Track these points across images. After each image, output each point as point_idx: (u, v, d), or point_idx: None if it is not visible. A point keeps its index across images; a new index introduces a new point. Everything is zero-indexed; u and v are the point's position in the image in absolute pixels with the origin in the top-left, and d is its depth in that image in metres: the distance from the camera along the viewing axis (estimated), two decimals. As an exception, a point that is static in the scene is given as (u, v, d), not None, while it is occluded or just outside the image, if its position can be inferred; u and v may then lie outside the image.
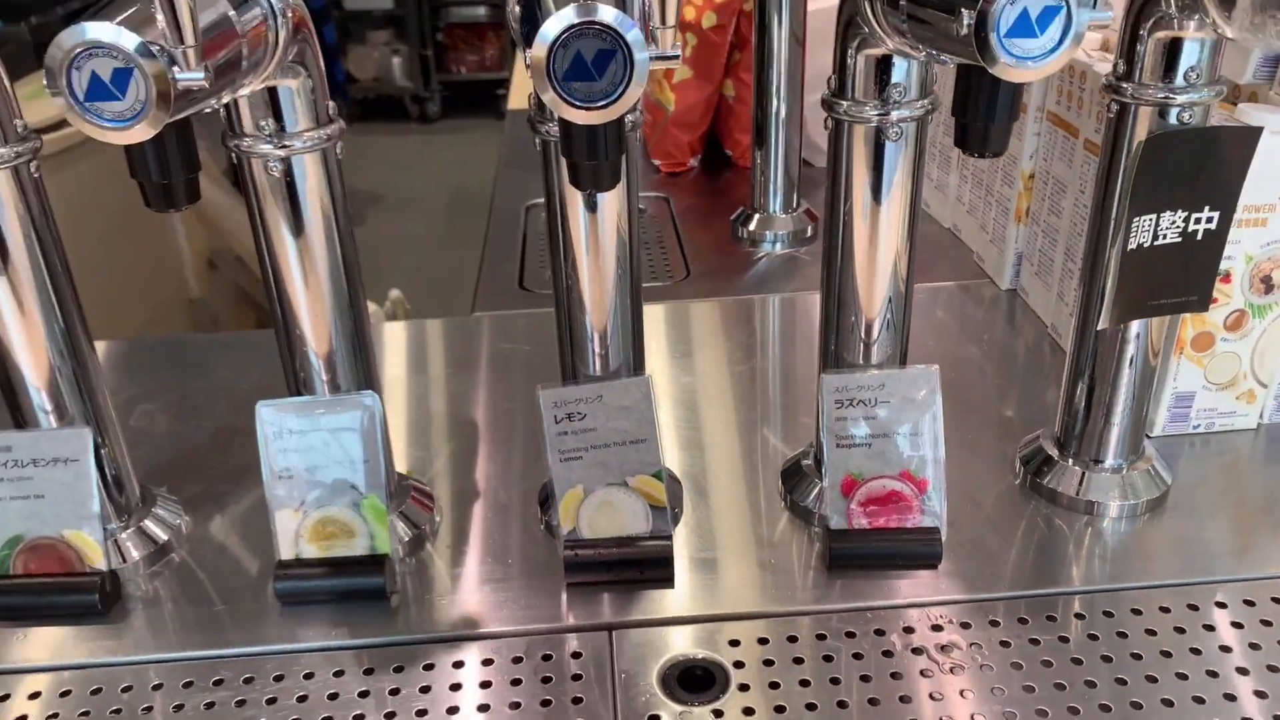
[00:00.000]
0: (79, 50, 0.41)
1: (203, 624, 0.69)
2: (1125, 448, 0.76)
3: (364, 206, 4.07)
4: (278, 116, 0.61)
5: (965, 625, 0.66)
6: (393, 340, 1.07)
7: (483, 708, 0.61)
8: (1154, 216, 0.66)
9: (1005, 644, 0.64)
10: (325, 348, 0.68)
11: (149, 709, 0.63)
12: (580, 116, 0.44)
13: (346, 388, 0.70)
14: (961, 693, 0.61)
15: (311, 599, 0.69)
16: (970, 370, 0.96)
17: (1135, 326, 0.71)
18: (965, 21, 0.44)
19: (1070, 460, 0.77)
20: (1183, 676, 0.62)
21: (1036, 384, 0.94)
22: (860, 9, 0.57)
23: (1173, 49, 0.62)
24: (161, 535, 0.75)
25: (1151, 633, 0.65)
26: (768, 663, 0.64)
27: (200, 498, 0.81)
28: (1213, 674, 0.62)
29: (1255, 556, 0.71)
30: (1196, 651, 0.63)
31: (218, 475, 0.84)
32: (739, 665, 0.64)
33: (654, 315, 1.07)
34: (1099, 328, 0.70)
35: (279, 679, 0.64)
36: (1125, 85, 0.64)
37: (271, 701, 0.63)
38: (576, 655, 0.65)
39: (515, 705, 0.61)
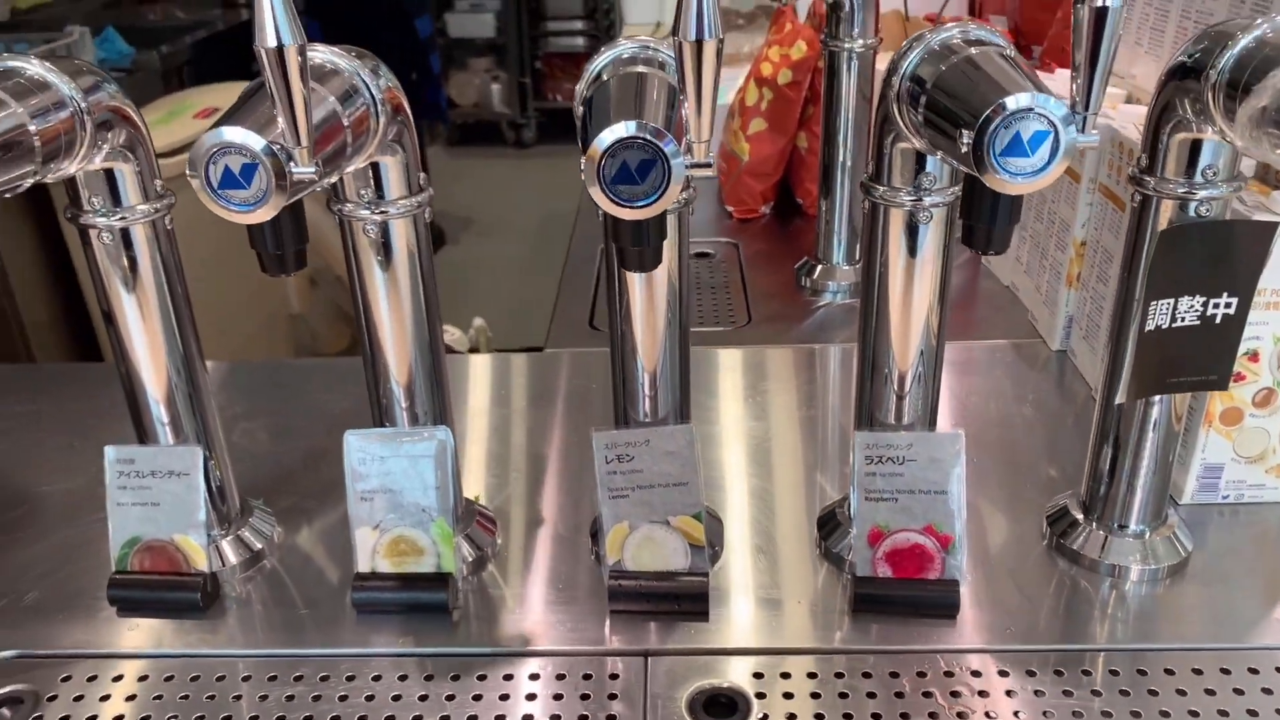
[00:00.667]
0: (216, 149, 0.50)
1: (287, 625, 0.78)
2: (1148, 514, 0.80)
3: (456, 228, 4.22)
4: (377, 187, 0.70)
5: (976, 674, 0.71)
6: (475, 372, 1.16)
7: (527, 717, 0.69)
8: (1171, 300, 0.70)
9: (1010, 693, 0.69)
10: (406, 381, 0.77)
11: (238, 697, 0.71)
12: (625, 214, 0.51)
13: (423, 419, 0.79)
14: (964, 736, 0.66)
15: (383, 609, 0.77)
16: (1015, 428, 1.00)
17: (1157, 399, 0.75)
18: (964, 140, 0.50)
19: (1094, 524, 0.81)
20: (1179, 736, 0.66)
21: (1077, 445, 0.97)
22: (891, 111, 0.63)
23: (1191, 148, 0.67)
24: (256, 543, 0.85)
25: (1153, 693, 0.69)
26: (788, 695, 0.69)
27: (290, 511, 0.91)
28: (1209, 736, 0.65)
29: (1252, 628, 0.74)
30: (1224, 714, 0.67)
31: (307, 491, 0.93)
32: (761, 696, 0.70)
33: (716, 358, 1.14)
34: (1117, 401, 0.74)
35: (350, 679, 0.72)
36: (1148, 179, 0.69)
37: (344, 699, 0.71)
38: (614, 676, 0.72)
39: (556, 717, 0.68)
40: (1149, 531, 0.80)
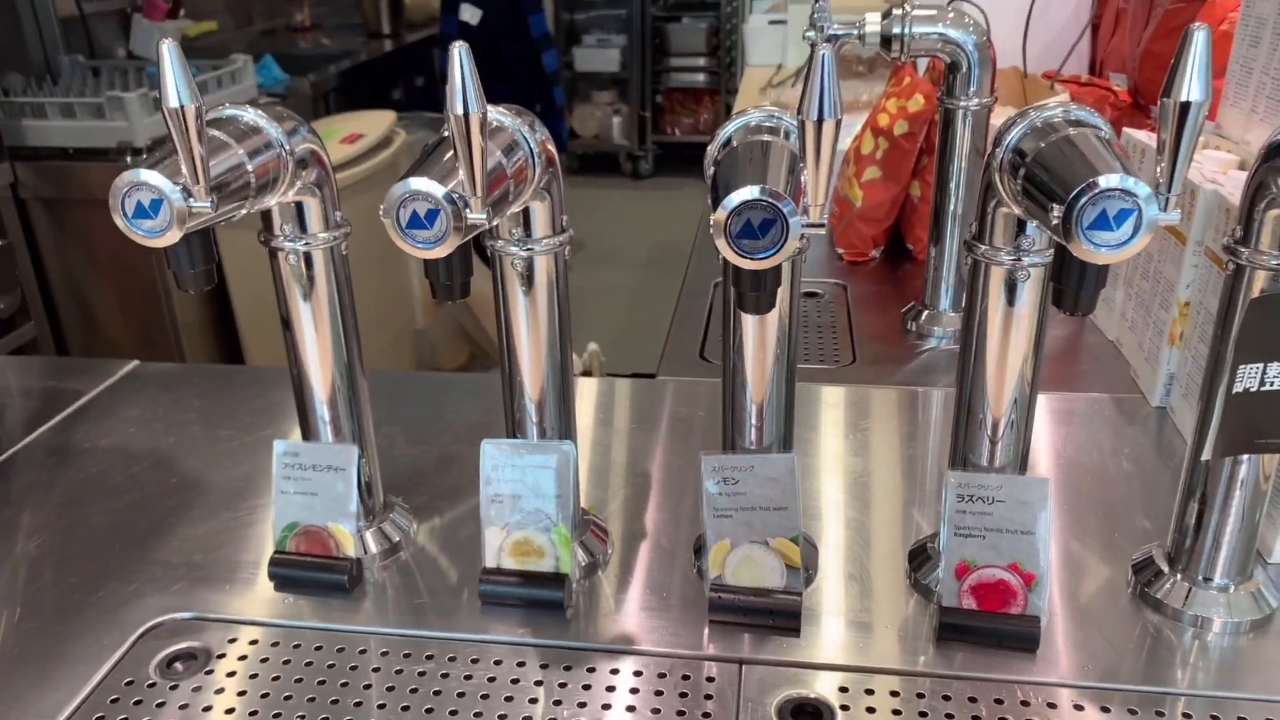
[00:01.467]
0: (407, 196, 0.60)
1: (419, 610, 0.87)
2: (1233, 569, 0.83)
3: (573, 256, 4.37)
4: (527, 227, 0.79)
5: (1051, 705, 0.75)
6: (587, 394, 1.24)
7: (630, 708, 0.76)
8: (1261, 365, 0.74)
9: (1084, 727, 0.73)
10: (538, 398, 0.86)
11: (376, 669, 0.80)
12: (746, 265, 0.59)
13: (550, 433, 0.87)
14: (1036, 761, 0.70)
15: (505, 602, 0.86)
16: (1110, 479, 1.03)
17: (1245, 458, 0.78)
18: (1055, 214, 0.56)
19: (1179, 575, 0.84)
20: (1247, 781, 0.69)
21: (1169, 499, 0.99)
22: (994, 179, 0.69)
23: (1284, 222, 0.71)
24: (395, 536, 0.95)
25: None
26: (870, 710, 0.75)
27: (423, 508, 1.00)
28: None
29: (1348, 687, 0.77)
30: None
31: (438, 492, 1.03)
32: (845, 709, 0.75)
33: (820, 394, 1.20)
34: (1204, 458, 0.78)
35: (474, 661, 0.81)
36: (1242, 249, 0.73)
37: (468, 678, 0.79)
38: (710, 679, 0.78)
39: (656, 711, 0.76)
40: (1233, 586, 0.83)
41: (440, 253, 0.61)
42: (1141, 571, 0.87)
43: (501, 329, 0.84)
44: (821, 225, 0.59)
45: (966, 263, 0.78)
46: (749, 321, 0.80)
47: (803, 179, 0.58)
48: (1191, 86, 0.53)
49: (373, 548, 0.93)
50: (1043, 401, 1.17)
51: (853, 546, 0.94)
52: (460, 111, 0.56)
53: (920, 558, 0.89)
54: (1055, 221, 0.56)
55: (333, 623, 0.86)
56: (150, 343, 2.58)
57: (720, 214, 0.58)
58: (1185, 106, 0.54)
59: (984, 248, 0.76)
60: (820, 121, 0.54)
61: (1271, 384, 0.75)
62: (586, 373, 2.24)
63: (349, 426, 0.90)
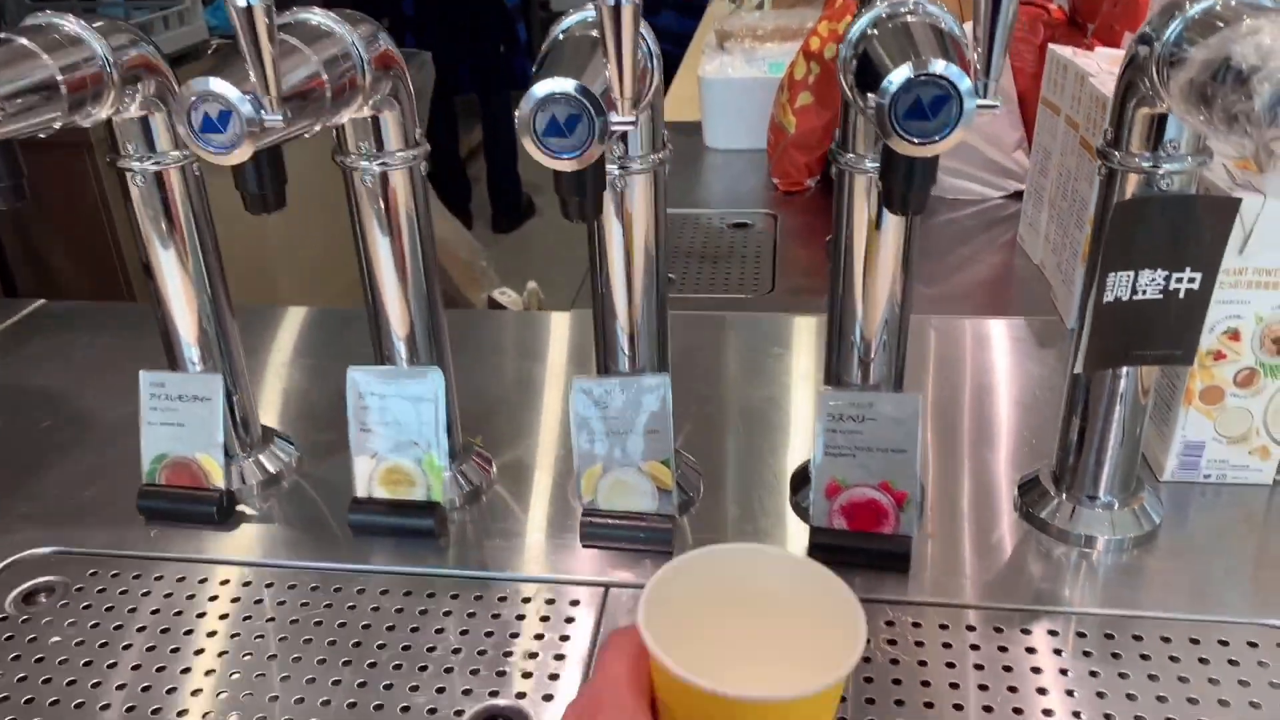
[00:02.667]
0: (197, 97, 0.56)
1: (296, 541, 0.85)
2: (1116, 486, 0.81)
3: (545, 202, 4.31)
4: (379, 141, 0.76)
5: (916, 624, 0.73)
6: (502, 328, 1.22)
7: (488, 634, 0.74)
8: (1131, 274, 0.71)
9: (947, 645, 0.72)
10: (405, 329, 0.83)
11: (259, 601, 0.78)
12: (555, 165, 0.56)
13: (420, 360, 0.85)
14: (899, 682, 0.69)
15: (376, 532, 0.84)
16: (1014, 403, 1.01)
17: (1124, 372, 0.76)
18: (870, 105, 0.53)
19: (1064, 494, 0.83)
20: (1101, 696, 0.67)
21: (1073, 421, 0.98)
22: (841, 82, 0.65)
23: (1154, 123, 0.68)
24: (274, 467, 0.93)
25: (1116, 655, 0.70)
26: (732, 632, 0.74)
27: (316, 444, 0.98)
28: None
29: (1225, 602, 0.75)
30: (1184, 680, 0.68)
31: (330, 426, 1.01)
32: (707, 631, 0.74)
33: (725, 322, 1.17)
34: (1074, 371, 0.76)
35: (337, 590, 0.79)
36: (1114, 152, 0.70)
37: (352, 608, 0.77)
38: (575, 603, 0.77)
39: (514, 635, 0.74)
40: (1117, 504, 0.81)
41: (236, 158, 0.58)
42: (1027, 492, 0.85)
43: (360, 256, 0.81)
44: (632, 123, 0.56)
45: (833, 174, 0.75)
46: (612, 238, 0.77)
47: (607, 75, 0.55)
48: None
49: (250, 479, 0.91)
50: (958, 327, 1.14)
51: (739, 472, 0.92)
52: (242, 3, 0.53)
53: (800, 480, 0.87)
54: (871, 113, 0.53)
55: (202, 553, 0.84)
56: (102, 286, 2.54)
57: (523, 109, 0.55)
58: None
59: (848, 155, 0.73)
60: (617, 7, 0.51)
61: (1143, 293, 0.72)
62: (527, 310, 2.21)
63: (217, 359, 0.88)
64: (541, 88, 0.55)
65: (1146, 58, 0.63)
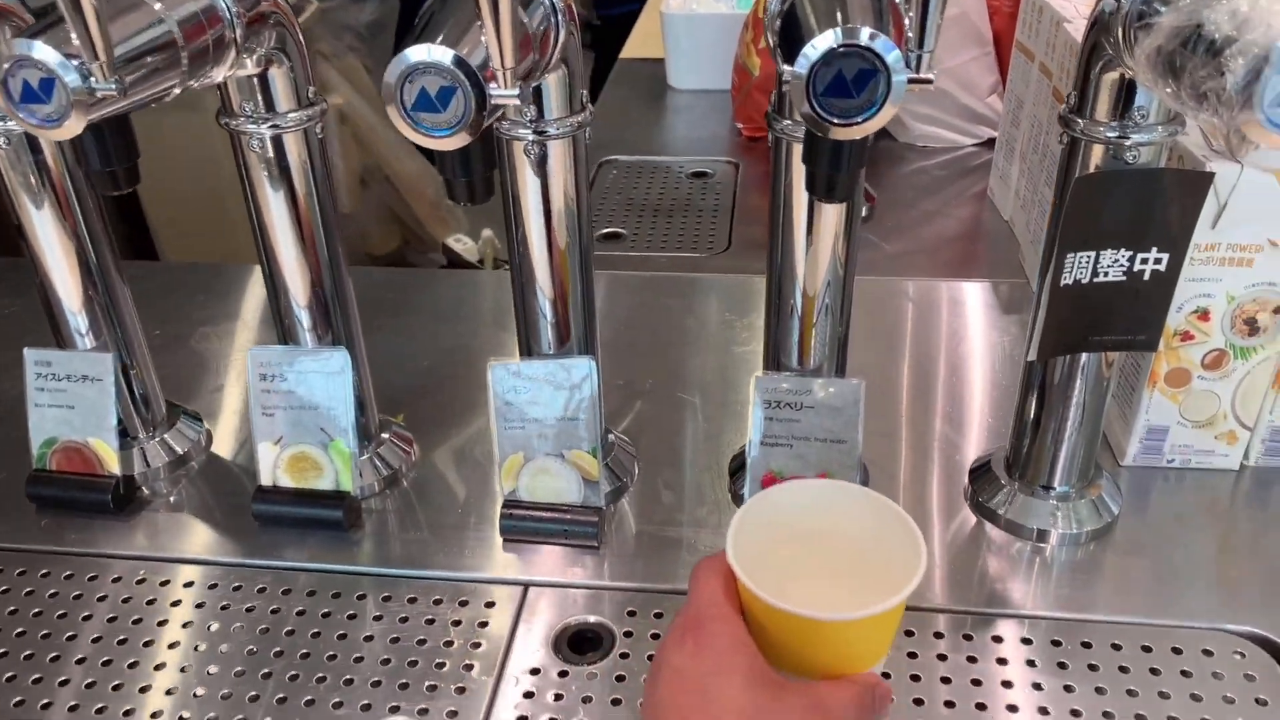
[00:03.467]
0: (13, 62, 0.49)
1: (198, 531, 0.79)
2: (1073, 474, 0.76)
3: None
4: (266, 100, 0.68)
5: (852, 630, 0.68)
6: (423, 287, 1.15)
7: (394, 640, 0.69)
8: (1092, 254, 0.65)
9: (882, 654, 0.67)
10: (306, 301, 0.76)
11: (151, 601, 0.73)
12: (430, 143, 0.49)
13: (326, 338, 0.78)
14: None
15: (282, 523, 0.79)
16: (970, 376, 0.95)
17: (1083, 355, 0.70)
18: (788, 77, 0.46)
19: (1016, 482, 0.77)
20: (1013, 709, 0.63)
21: (1034, 396, 0.92)
22: (767, 43, 0.58)
23: (1122, 88, 0.61)
24: (181, 448, 0.86)
25: (1062, 665, 0.66)
26: (655, 636, 0.69)
27: (229, 419, 0.92)
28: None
29: (1182, 603, 0.70)
30: (1133, 694, 0.64)
31: (239, 400, 0.95)
32: (629, 635, 0.69)
33: (673, 284, 1.11)
34: (1028, 359, 0.70)
35: (236, 589, 0.74)
36: (1077, 120, 0.63)
37: (249, 610, 0.72)
38: (490, 605, 0.72)
39: (421, 642, 0.69)
40: (1073, 493, 0.76)
41: (65, 133, 0.50)
42: (979, 479, 0.80)
43: (254, 225, 0.74)
44: (515, 96, 0.49)
45: (769, 142, 0.68)
46: (529, 212, 0.70)
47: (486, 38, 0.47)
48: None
49: (154, 462, 0.85)
50: (917, 290, 1.08)
51: (680, 452, 0.86)
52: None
53: (739, 466, 0.81)
54: (786, 88, 0.46)
55: (93, 546, 0.78)
56: None
57: (388, 78, 0.47)
58: (932, -61, 0.43)
59: (784, 122, 0.65)
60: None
61: (1105, 274, 0.66)
62: (481, 261, 2.13)
63: (109, 333, 0.81)
64: (411, 54, 0.47)
65: (1113, 16, 0.56)
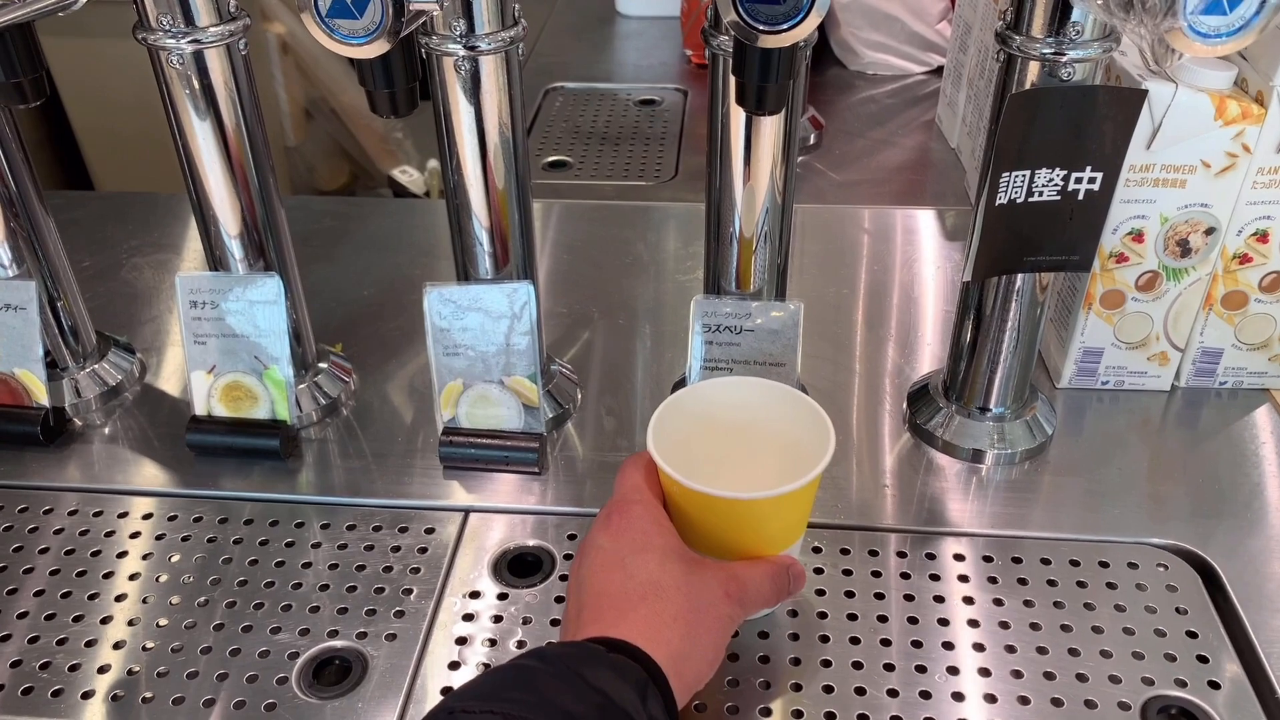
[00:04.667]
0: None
1: (132, 463, 0.78)
2: (1008, 396, 0.77)
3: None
4: (186, 14, 0.66)
5: (815, 549, 0.69)
6: (384, 218, 1.13)
7: (332, 566, 0.69)
8: (1026, 173, 0.65)
9: (819, 570, 0.68)
10: (237, 228, 0.74)
11: (85, 532, 0.72)
12: (347, 52, 0.47)
13: (259, 266, 0.76)
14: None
15: (217, 453, 0.78)
16: (913, 301, 0.95)
17: (1019, 275, 0.71)
18: (710, -17, 0.45)
19: (953, 404, 0.78)
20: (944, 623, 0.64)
21: (975, 321, 0.93)
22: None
23: (1058, 4, 0.60)
24: (114, 378, 0.85)
25: (992, 580, 0.67)
26: (595, 560, 0.69)
27: (163, 349, 0.90)
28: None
29: (1110, 519, 0.72)
30: (1059, 605, 0.65)
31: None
32: (569, 558, 0.69)
33: (620, 214, 1.10)
34: (964, 279, 0.70)
35: (170, 519, 0.73)
36: (1013, 36, 0.63)
37: (185, 539, 0.71)
38: (430, 531, 0.72)
39: (360, 568, 0.69)
40: (1009, 415, 0.77)
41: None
42: (916, 401, 0.80)
43: (178, 148, 0.72)
44: (435, 2, 0.47)
45: (706, 58, 0.66)
46: (462, 129, 0.69)
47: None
48: None
49: (86, 394, 0.83)
50: (862, 217, 1.08)
51: (622, 379, 0.86)
52: None
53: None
54: (711, -6, 0.45)
55: (26, 479, 0.77)
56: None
57: None
58: None
59: (721, 38, 0.64)
60: None
61: (1039, 194, 0.66)
62: (427, 193, 2.10)
63: (32, 262, 0.78)
64: None
65: (1048, -73, 0.55)
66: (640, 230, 1.08)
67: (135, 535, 0.72)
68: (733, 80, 0.53)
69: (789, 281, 0.76)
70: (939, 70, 1.37)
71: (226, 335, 0.76)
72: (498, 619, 0.65)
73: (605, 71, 1.48)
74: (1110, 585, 0.67)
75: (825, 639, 0.63)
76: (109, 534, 0.72)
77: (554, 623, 0.65)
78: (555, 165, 1.22)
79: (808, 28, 0.45)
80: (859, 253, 1.03)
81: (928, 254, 1.02)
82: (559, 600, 0.66)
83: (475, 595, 0.67)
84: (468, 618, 0.65)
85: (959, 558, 0.69)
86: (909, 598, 0.66)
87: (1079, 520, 0.72)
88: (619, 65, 1.51)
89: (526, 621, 0.65)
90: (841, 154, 1.23)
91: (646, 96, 1.39)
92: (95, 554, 0.70)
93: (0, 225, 0.77)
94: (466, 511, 0.73)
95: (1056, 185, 0.65)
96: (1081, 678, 0.61)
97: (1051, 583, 0.67)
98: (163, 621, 0.65)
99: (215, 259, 0.76)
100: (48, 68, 0.60)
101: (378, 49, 0.47)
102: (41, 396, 0.78)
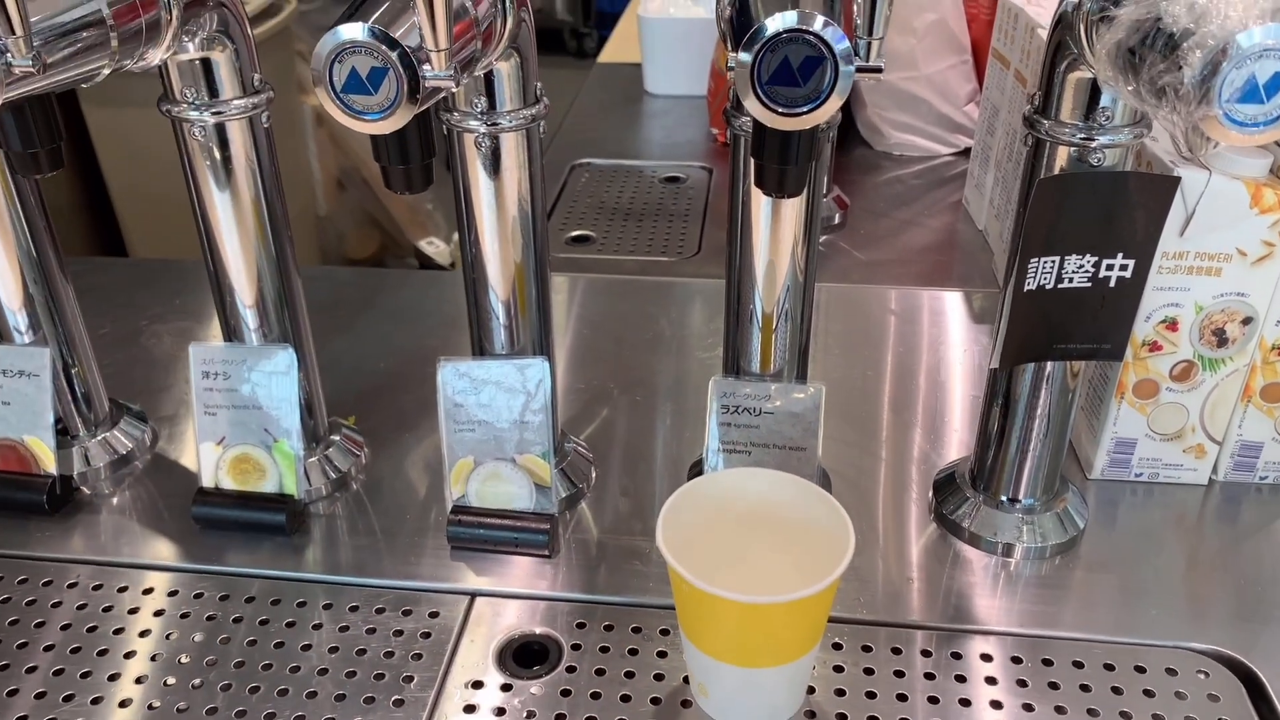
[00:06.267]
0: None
1: (137, 535, 0.77)
2: (1038, 487, 0.74)
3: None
4: (210, 87, 0.66)
5: (836, 646, 0.66)
6: (414, 289, 1.12)
7: (332, 649, 0.67)
8: (1056, 259, 0.63)
9: (839, 669, 0.65)
10: (253, 299, 0.74)
11: (82, 606, 0.70)
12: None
13: (273, 337, 0.76)
14: (773, 709, 0.62)
15: (224, 526, 0.76)
16: (941, 385, 0.93)
17: (1048, 365, 0.68)
18: (731, 66, 0.44)
19: (980, 493, 0.75)
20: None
21: (1003, 407, 0.91)
22: (719, 30, 0.56)
23: (1087, 88, 0.59)
24: (124, 447, 0.84)
25: (1022, 683, 0.64)
26: (604, 649, 0.66)
27: (176, 418, 0.89)
28: (1037, 734, 0.61)
29: (1147, 620, 0.68)
30: (1094, 714, 0.62)
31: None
32: (576, 648, 0.66)
33: (641, 289, 1.09)
34: (991, 366, 0.68)
35: (198, 596, 0.71)
36: (1042, 120, 0.62)
37: (184, 617, 0.69)
38: (434, 615, 0.69)
39: (361, 652, 0.66)
40: (1039, 506, 0.74)
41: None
42: (943, 490, 0.78)
43: (197, 218, 0.72)
44: (450, 79, 0.46)
45: (727, 137, 0.66)
46: (481, 205, 0.68)
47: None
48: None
49: (97, 461, 0.82)
50: (888, 297, 1.06)
51: (639, 458, 0.84)
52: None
53: (697, 474, 0.79)
54: (733, 76, 0.45)
55: (28, 549, 0.75)
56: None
57: (317, 57, 0.45)
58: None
59: (743, 118, 0.63)
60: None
61: (1070, 280, 0.64)
62: (452, 265, 2.11)
63: (49, 329, 0.78)
64: (342, 32, 0.45)
65: (1074, 12, 0.55)
66: (663, 306, 1.06)
67: (134, 611, 0.70)
68: (753, 161, 0.52)
69: (812, 362, 0.75)
70: (966, 151, 1.37)
71: (237, 407, 0.75)
72: (500, 711, 0.62)
73: (632, 148, 1.48)
74: (1147, 693, 0.63)
75: (844, 743, 0.60)
76: (107, 609, 0.70)
77: (559, 718, 0.62)
78: (579, 240, 1.22)
79: (828, 111, 0.44)
80: (884, 334, 1.01)
81: (954, 337, 1.00)
82: (565, 694, 0.63)
83: (478, 685, 0.64)
84: (469, 709, 0.62)
85: (986, 658, 0.66)
86: (934, 700, 0.63)
87: (1113, 621, 0.68)
88: (645, 143, 1.52)
89: (531, 716, 0.62)
90: (867, 233, 1.22)
91: (672, 174, 1.39)
92: (92, 630, 0.69)
93: (19, 291, 0.77)
94: (473, 595, 0.71)
95: (1087, 272, 0.63)
96: (1118, 794, 0.57)
97: (1085, 688, 0.63)
98: (156, 703, 0.63)
99: (230, 328, 0.75)
100: (88, 132, 0.59)
101: (392, 125, 0.46)
102: (49, 464, 0.77)
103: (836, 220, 1.23)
